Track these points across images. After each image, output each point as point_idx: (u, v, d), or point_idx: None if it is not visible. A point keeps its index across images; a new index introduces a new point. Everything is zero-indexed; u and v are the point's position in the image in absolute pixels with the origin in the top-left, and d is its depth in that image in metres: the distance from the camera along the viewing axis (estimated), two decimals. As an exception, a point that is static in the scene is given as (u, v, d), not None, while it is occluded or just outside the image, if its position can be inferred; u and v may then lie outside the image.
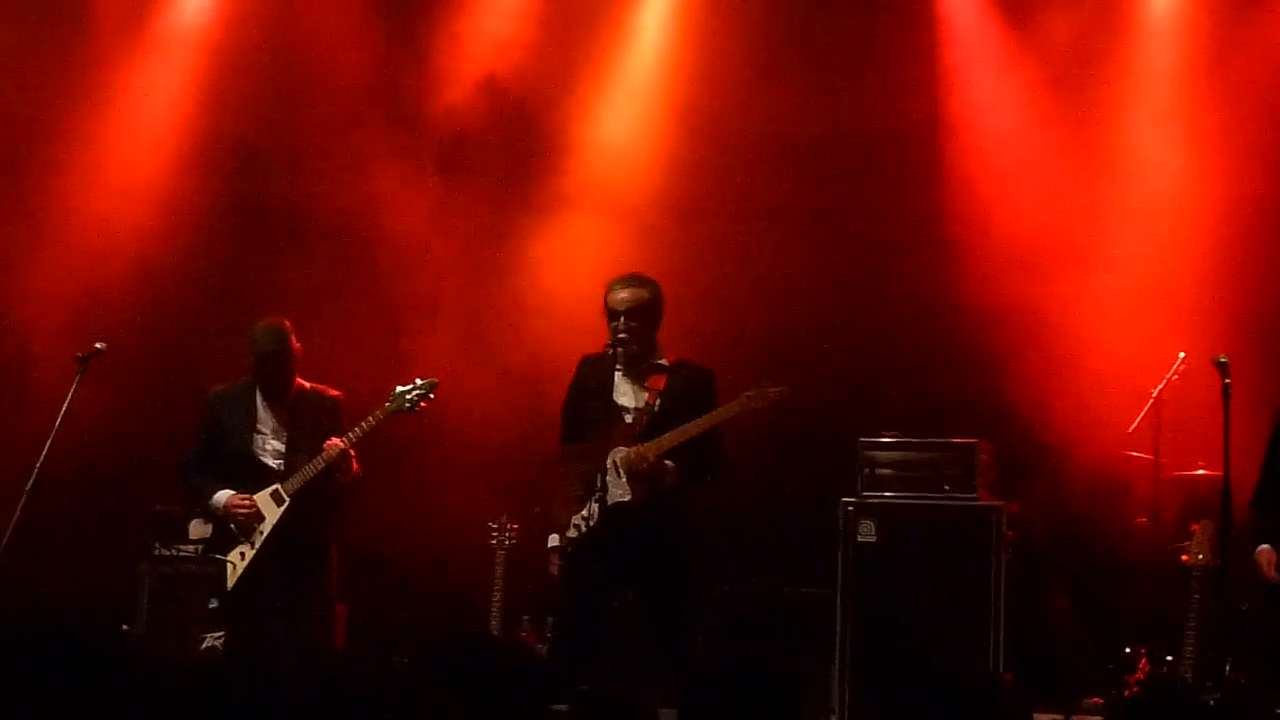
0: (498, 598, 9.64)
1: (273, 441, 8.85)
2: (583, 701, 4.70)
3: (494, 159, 11.34)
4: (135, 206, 11.05)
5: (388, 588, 10.43)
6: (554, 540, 8.34)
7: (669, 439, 8.14)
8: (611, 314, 8.30)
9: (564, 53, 11.33)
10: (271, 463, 8.82)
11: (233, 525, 8.72)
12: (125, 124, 11.16)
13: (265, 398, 8.87)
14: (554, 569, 8.34)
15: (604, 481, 8.13)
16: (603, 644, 8.28)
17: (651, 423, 8.23)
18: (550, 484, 8.41)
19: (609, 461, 8.17)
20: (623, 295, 8.31)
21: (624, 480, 8.16)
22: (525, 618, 9.81)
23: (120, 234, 11.00)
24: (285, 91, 11.13)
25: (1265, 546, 8.19)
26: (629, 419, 8.27)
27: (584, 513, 8.13)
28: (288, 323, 8.89)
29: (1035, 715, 8.95)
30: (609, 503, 8.11)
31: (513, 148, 11.35)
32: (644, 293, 8.34)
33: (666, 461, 8.15)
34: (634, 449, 8.14)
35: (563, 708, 4.47)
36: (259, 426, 8.86)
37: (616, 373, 8.35)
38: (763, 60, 11.08)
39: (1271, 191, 10.31)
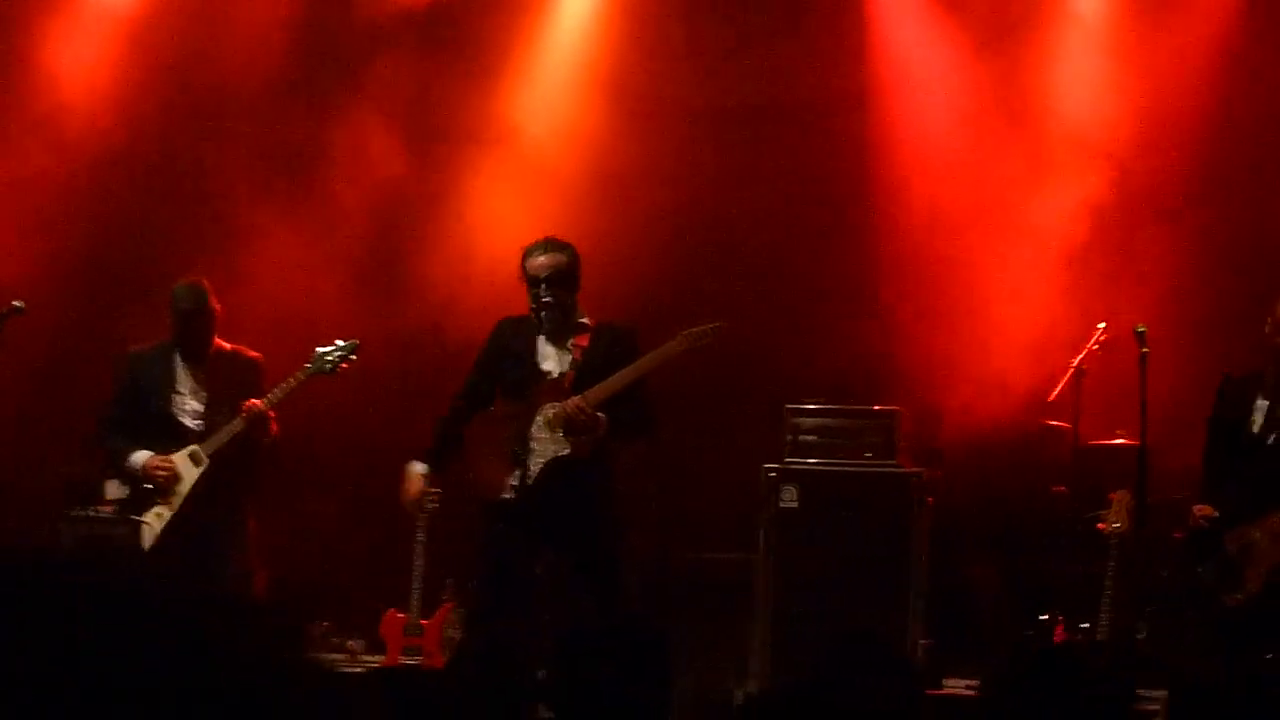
0: (420, 562, 9.61)
1: (191, 402, 8.80)
2: (463, 657, 4.67)
3: (421, 131, 11.26)
4: (47, 165, 10.90)
5: (308, 551, 10.38)
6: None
7: (602, 388, 8.05)
8: (532, 281, 8.19)
9: (487, 28, 11.27)
10: (190, 423, 8.77)
11: (150, 486, 8.67)
12: (39, 79, 11.00)
13: (184, 358, 8.82)
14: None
15: (530, 444, 8.08)
16: (522, 607, 8.26)
17: (579, 378, 8.17)
18: (475, 448, 8.36)
19: (539, 419, 8.12)
20: (542, 260, 8.20)
21: (560, 435, 8.12)
22: (448, 581, 9.78)
23: (29, 194, 10.86)
24: (206, 47, 11.02)
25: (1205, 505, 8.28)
26: (553, 378, 8.23)
27: (519, 472, 8.08)
28: (207, 282, 8.84)
29: (955, 681, 9.08)
30: (545, 459, 8.07)
31: (440, 121, 11.28)
32: (562, 258, 8.24)
33: (599, 413, 8.13)
34: (569, 401, 8.08)
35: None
36: (178, 387, 8.81)
37: (539, 339, 8.28)
38: (688, 30, 11.06)
39: (1190, 163, 10.37)
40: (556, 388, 8.15)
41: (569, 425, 8.06)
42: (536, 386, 8.17)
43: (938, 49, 10.96)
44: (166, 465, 8.66)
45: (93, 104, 10.99)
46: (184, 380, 8.82)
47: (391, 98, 11.20)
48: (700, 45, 11.05)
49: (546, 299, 8.16)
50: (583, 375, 8.17)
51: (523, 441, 8.06)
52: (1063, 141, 10.65)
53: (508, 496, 8.08)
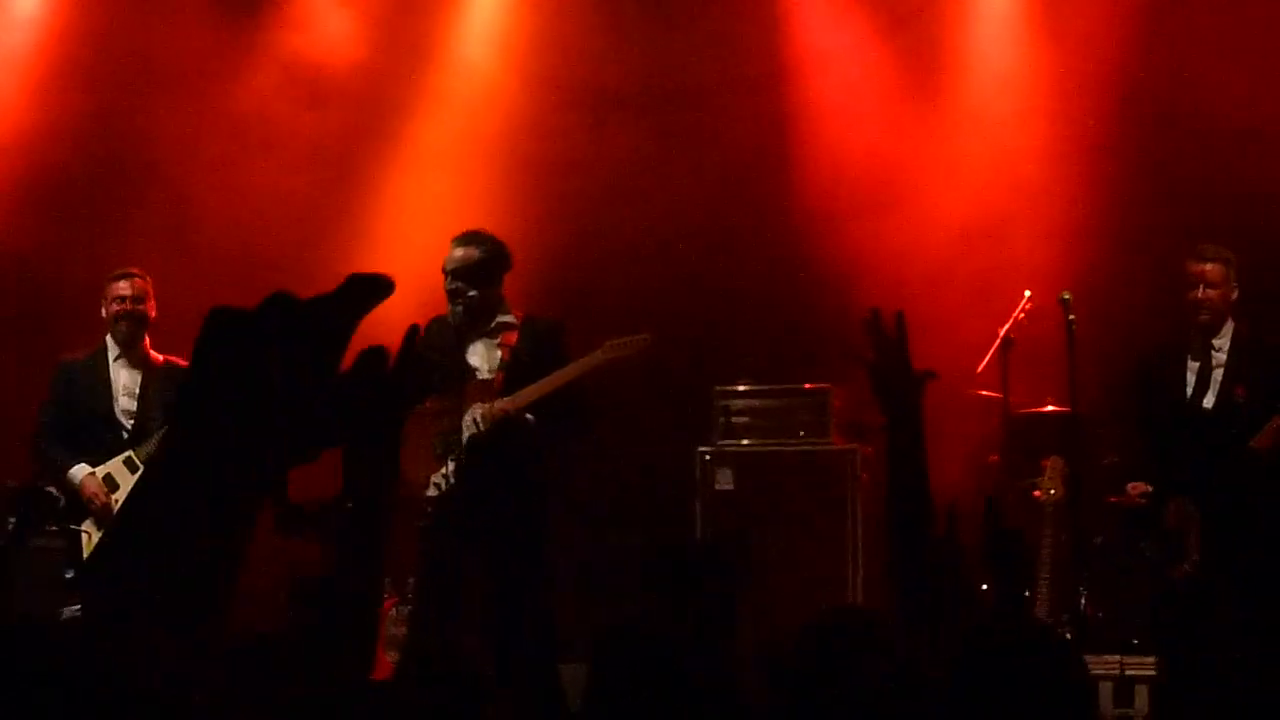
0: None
1: (125, 402, 8.71)
2: (410, 673, 4.62)
3: (340, 125, 11.19)
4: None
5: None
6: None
7: (528, 393, 8.08)
8: (444, 273, 8.26)
9: (403, 23, 11.22)
10: (125, 427, 8.69)
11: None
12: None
13: (117, 352, 8.71)
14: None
15: (461, 441, 8.08)
16: (465, 604, 8.24)
17: (509, 379, 8.18)
18: (403, 443, 8.34)
19: (467, 419, 8.11)
20: (455, 254, 8.25)
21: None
22: (386, 579, 9.73)
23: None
24: (126, 64, 10.93)
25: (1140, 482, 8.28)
26: (483, 377, 8.22)
27: (443, 471, 8.08)
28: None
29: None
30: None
31: (356, 116, 11.21)
32: (474, 251, 8.24)
33: (527, 415, 8.11)
34: (497, 404, 8.07)
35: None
36: (113, 392, 8.72)
37: (463, 333, 8.26)
38: (604, 15, 11.04)
39: (1107, 131, 10.44)
40: (487, 389, 8.14)
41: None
42: (467, 385, 8.15)
43: (850, 25, 10.99)
44: (102, 491, 8.56)
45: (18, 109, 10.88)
46: (118, 387, 8.73)
47: (312, 104, 11.12)
48: (612, 30, 11.02)
49: (451, 289, 8.17)
50: (512, 375, 8.17)
51: (449, 439, 8.06)
52: (979, 113, 10.71)
53: (432, 494, 8.09)
